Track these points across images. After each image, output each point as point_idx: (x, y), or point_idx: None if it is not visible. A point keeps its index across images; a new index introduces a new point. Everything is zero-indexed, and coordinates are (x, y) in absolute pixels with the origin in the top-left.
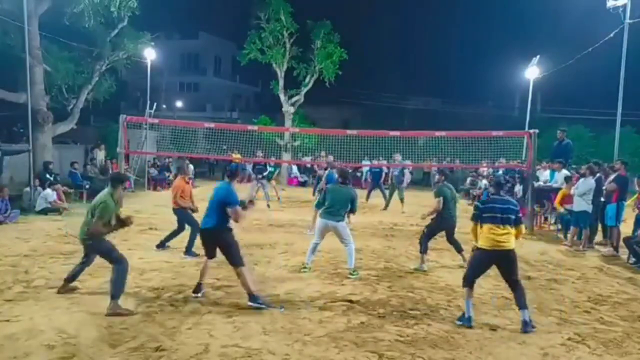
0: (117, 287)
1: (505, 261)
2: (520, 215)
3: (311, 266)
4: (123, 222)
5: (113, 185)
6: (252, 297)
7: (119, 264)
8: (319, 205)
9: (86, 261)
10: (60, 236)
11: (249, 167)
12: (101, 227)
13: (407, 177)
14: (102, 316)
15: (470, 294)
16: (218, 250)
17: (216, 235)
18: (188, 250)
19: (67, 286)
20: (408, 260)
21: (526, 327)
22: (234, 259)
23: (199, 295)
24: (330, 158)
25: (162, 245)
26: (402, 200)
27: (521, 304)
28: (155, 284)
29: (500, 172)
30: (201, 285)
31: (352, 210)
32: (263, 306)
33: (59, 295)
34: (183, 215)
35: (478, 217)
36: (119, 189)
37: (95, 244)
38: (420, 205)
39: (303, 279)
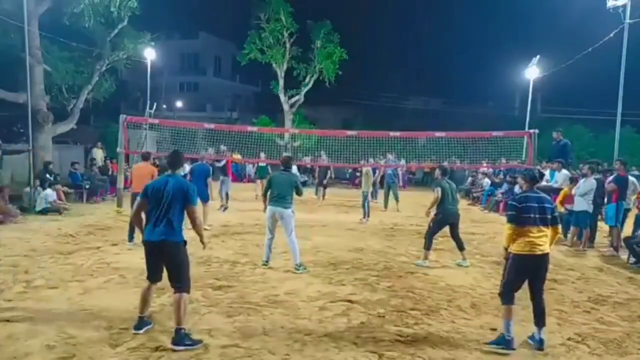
0: None
1: (540, 268)
2: (557, 214)
3: (270, 264)
4: None
5: None
6: (179, 333)
7: None
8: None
9: None
10: (60, 236)
11: (250, 168)
12: None
13: (400, 177)
14: (102, 316)
15: (510, 312)
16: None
17: (163, 249)
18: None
19: None
20: (408, 260)
21: (541, 345)
22: (183, 281)
23: (140, 332)
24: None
25: (131, 238)
26: (396, 198)
27: (540, 321)
28: None
29: (500, 172)
30: (143, 319)
31: (297, 194)
32: (195, 346)
33: (59, 295)
34: None
35: (516, 218)
36: None
37: None
38: (421, 205)
39: (303, 279)
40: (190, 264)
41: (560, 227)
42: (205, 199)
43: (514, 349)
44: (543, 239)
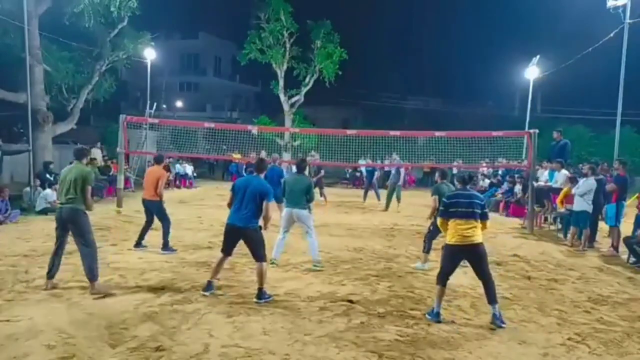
0: (95, 270)
1: (474, 255)
2: (487, 210)
3: (279, 262)
4: None
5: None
6: (261, 292)
7: (93, 246)
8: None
9: (62, 244)
10: None
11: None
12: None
13: (403, 176)
14: (102, 316)
15: (442, 292)
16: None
17: (246, 233)
18: (165, 247)
19: (52, 282)
20: (408, 260)
21: (496, 320)
22: (259, 254)
23: (207, 294)
24: (316, 156)
25: (139, 244)
26: (398, 199)
27: (491, 299)
28: (155, 284)
29: (500, 172)
30: (211, 282)
31: (309, 199)
32: (270, 299)
33: (59, 295)
34: (159, 208)
35: (444, 213)
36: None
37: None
38: (421, 205)
39: (303, 279)
40: (264, 242)
41: (488, 222)
42: (278, 200)
43: (440, 321)
44: (471, 231)
